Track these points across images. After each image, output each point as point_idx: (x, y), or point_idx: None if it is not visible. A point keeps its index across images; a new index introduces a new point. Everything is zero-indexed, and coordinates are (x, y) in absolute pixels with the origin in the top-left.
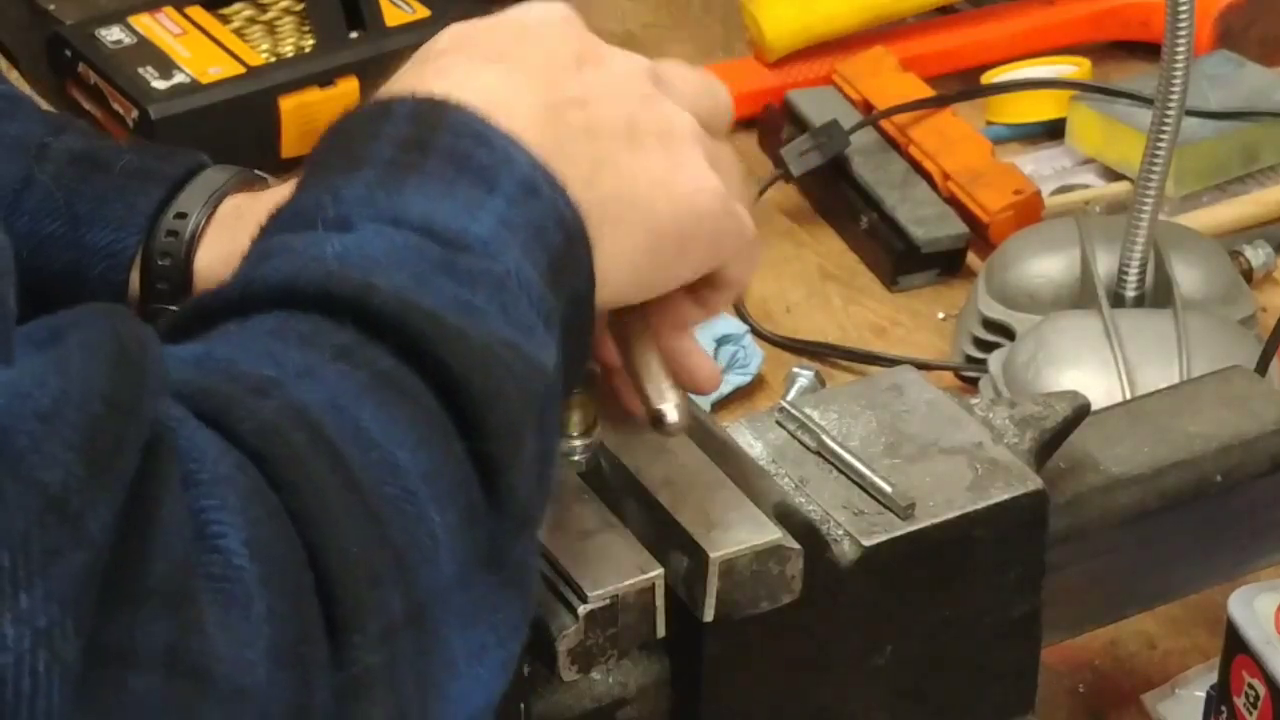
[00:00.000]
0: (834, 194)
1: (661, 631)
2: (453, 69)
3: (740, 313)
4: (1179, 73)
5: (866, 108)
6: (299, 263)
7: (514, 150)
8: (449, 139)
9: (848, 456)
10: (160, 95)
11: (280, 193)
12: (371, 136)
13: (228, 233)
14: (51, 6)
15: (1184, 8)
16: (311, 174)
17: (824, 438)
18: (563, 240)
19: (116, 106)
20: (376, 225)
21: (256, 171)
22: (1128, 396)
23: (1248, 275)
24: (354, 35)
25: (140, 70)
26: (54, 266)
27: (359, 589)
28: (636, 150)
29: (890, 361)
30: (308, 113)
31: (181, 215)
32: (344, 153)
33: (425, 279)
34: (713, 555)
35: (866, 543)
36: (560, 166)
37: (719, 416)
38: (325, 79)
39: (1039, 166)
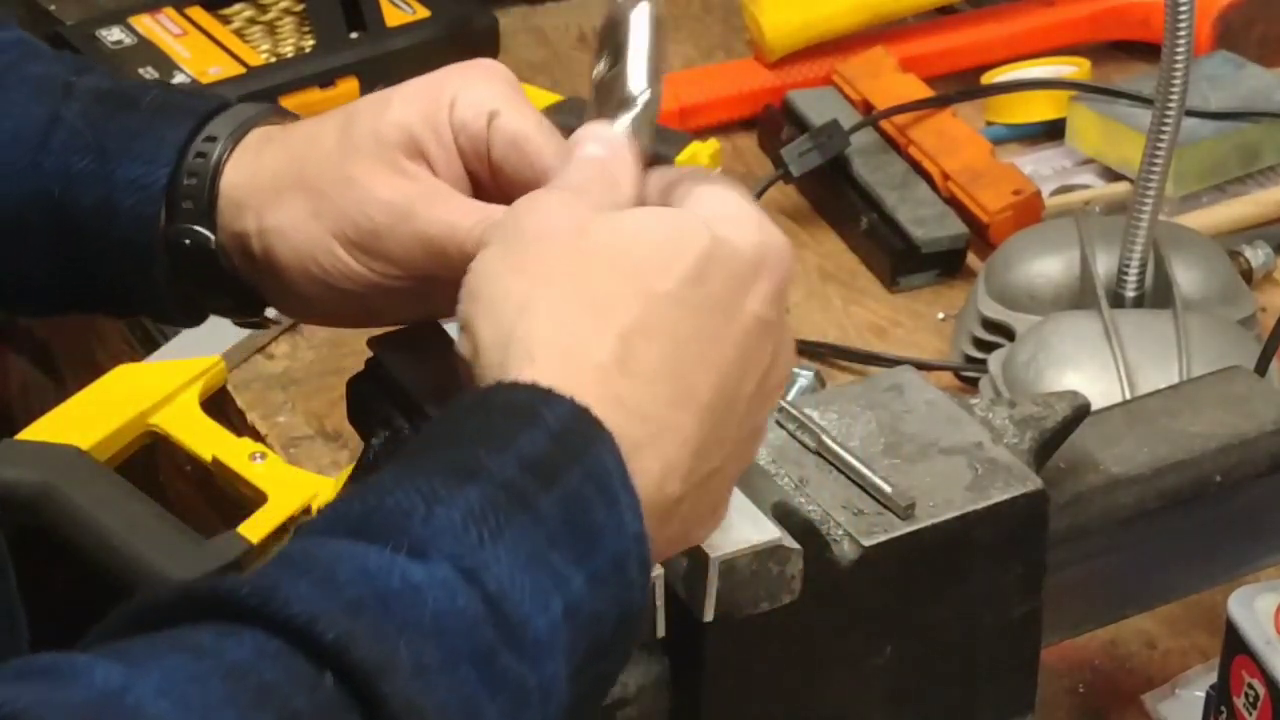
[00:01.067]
0: (834, 194)
1: (661, 631)
2: (631, 365)
3: None
4: (1179, 73)
5: (866, 108)
6: (339, 600)
7: (629, 519)
8: (578, 479)
9: (847, 457)
10: None
11: (314, 126)
12: (506, 439)
13: (253, 155)
14: (52, 7)
15: (1184, 8)
16: (426, 447)
17: (824, 438)
18: (612, 631)
19: None
20: (450, 570)
21: (287, 110)
22: (1127, 397)
23: (1247, 275)
24: (354, 35)
25: (140, 70)
26: (85, 202)
27: None
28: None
29: (890, 362)
30: (308, 113)
31: (210, 139)
32: (469, 440)
33: (454, 664)
34: (713, 555)
35: (866, 543)
36: (659, 530)
37: None
38: (325, 79)
39: (1039, 167)
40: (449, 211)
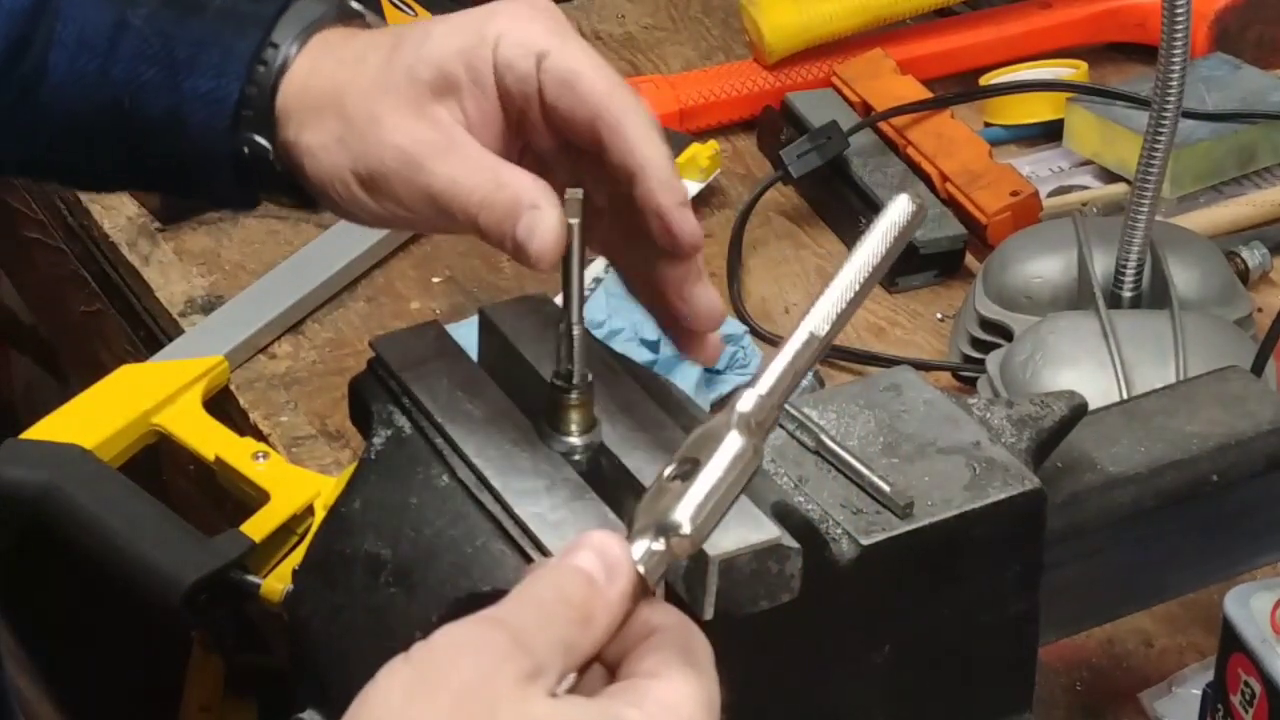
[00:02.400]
0: (833, 195)
1: None
2: None
3: (740, 313)
4: (1175, 75)
5: (865, 109)
6: None
7: None
8: None
9: (846, 456)
10: None
11: (367, 44)
12: None
13: (309, 67)
14: None
15: (1181, 10)
16: None
17: (822, 437)
18: None
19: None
20: None
21: (354, 5)
22: (1124, 396)
23: (1244, 276)
24: None
25: None
26: (153, 112)
27: None
28: None
29: (889, 361)
30: None
31: (273, 45)
32: None
33: None
34: (712, 554)
35: (865, 541)
36: None
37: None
38: None
39: (1036, 168)
40: (456, 167)
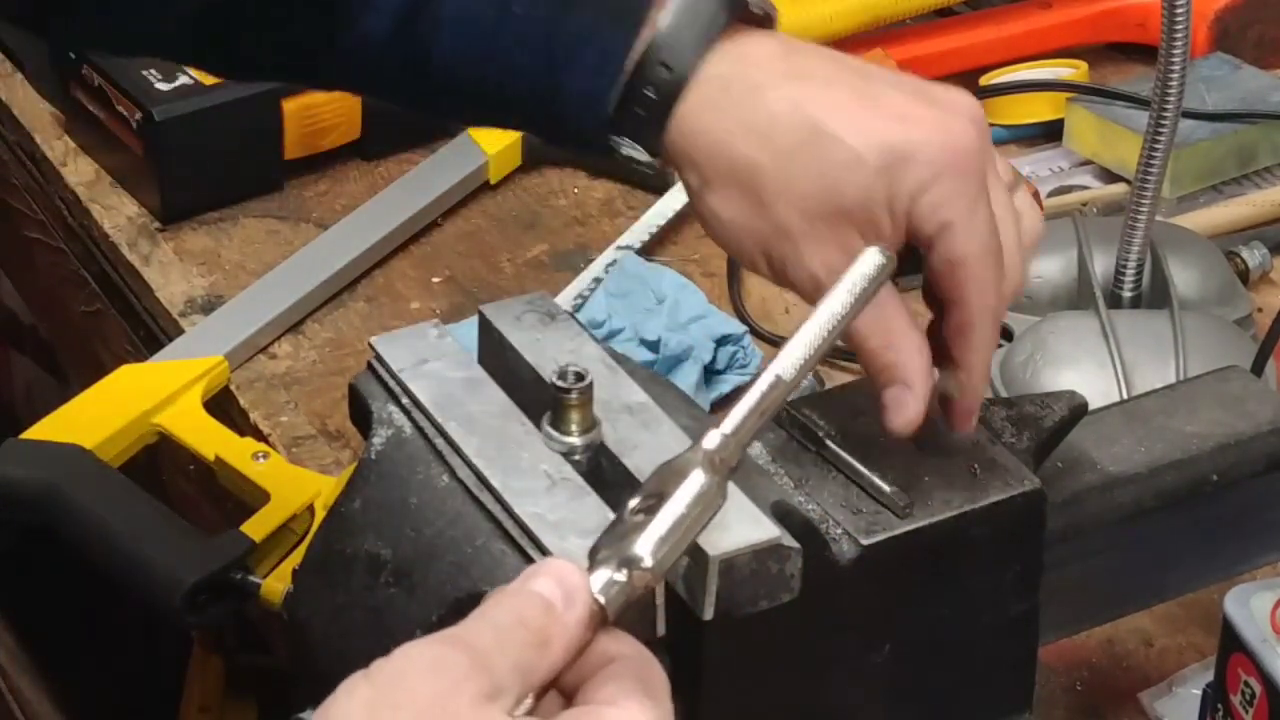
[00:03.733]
0: None
1: (661, 630)
2: None
3: (740, 313)
4: (1175, 75)
5: None
6: None
7: None
8: None
9: (846, 456)
10: (164, 97)
11: (780, 93)
12: None
13: (708, 104)
14: None
15: (1180, 10)
16: None
17: (823, 437)
18: None
19: (120, 108)
20: None
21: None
22: (1124, 396)
23: (1244, 276)
24: None
25: (144, 72)
26: (525, 97)
27: None
28: None
29: None
30: (310, 114)
31: (664, 65)
32: None
33: None
34: (712, 554)
35: (865, 541)
36: None
37: (719, 417)
38: None
39: (1036, 168)
40: (871, 311)
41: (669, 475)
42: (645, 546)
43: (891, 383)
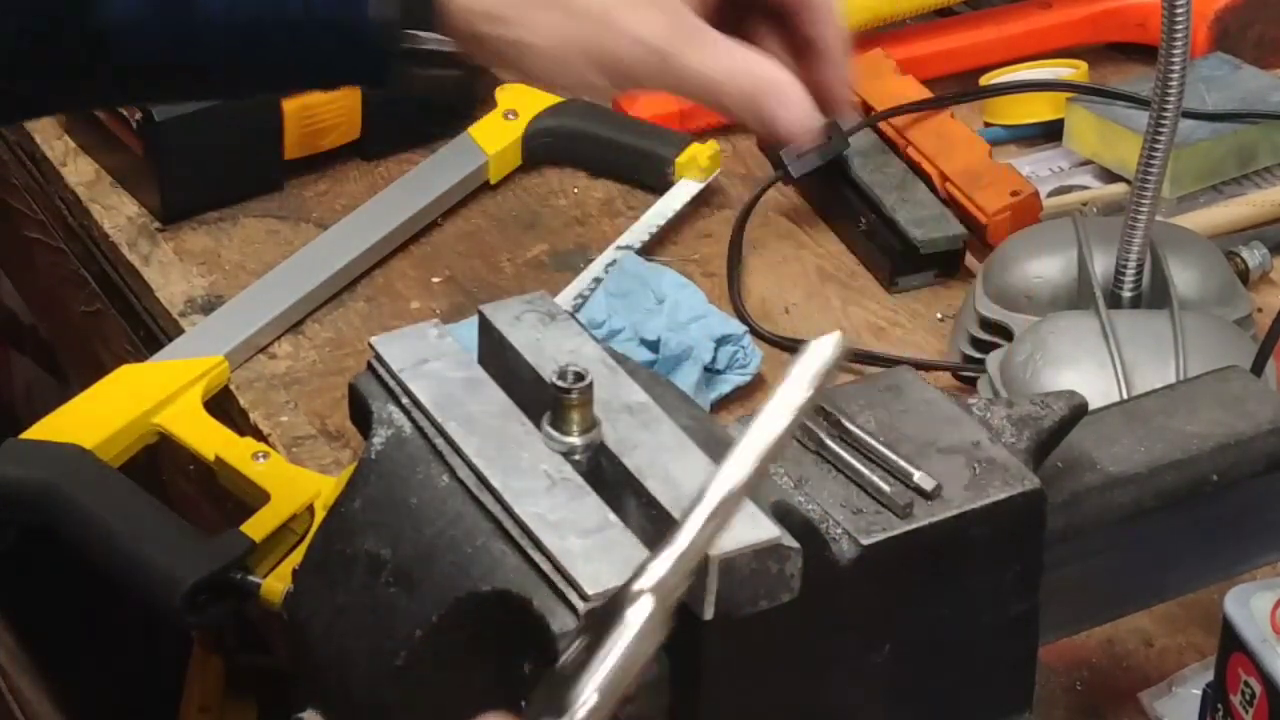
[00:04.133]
0: (833, 195)
1: None
2: None
3: (740, 313)
4: (1175, 75)
5: (865, 109)
6: None
7: None
8: None
9: (846, 455)
10: None
11: None
12: None
13: None
14: None
15: (1180, 10)
16: None
17: (823, 436)
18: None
19: (120, 108)
20: None
21: None
22: (1124, 396)
23: (1244, 276)
24: None
25: None
26: (305, 34)
27: None
28: None
29: (889, 362)
30: (310, 113)
31: None
32: None
33: None
34: (712, 554)
35: (865, 541)
36: None
37: (719, 416)
38: None
39: (1036, 168)
40: (703, 57)
41: (612, 609)
42: (590, 688)
43: (769, 99)
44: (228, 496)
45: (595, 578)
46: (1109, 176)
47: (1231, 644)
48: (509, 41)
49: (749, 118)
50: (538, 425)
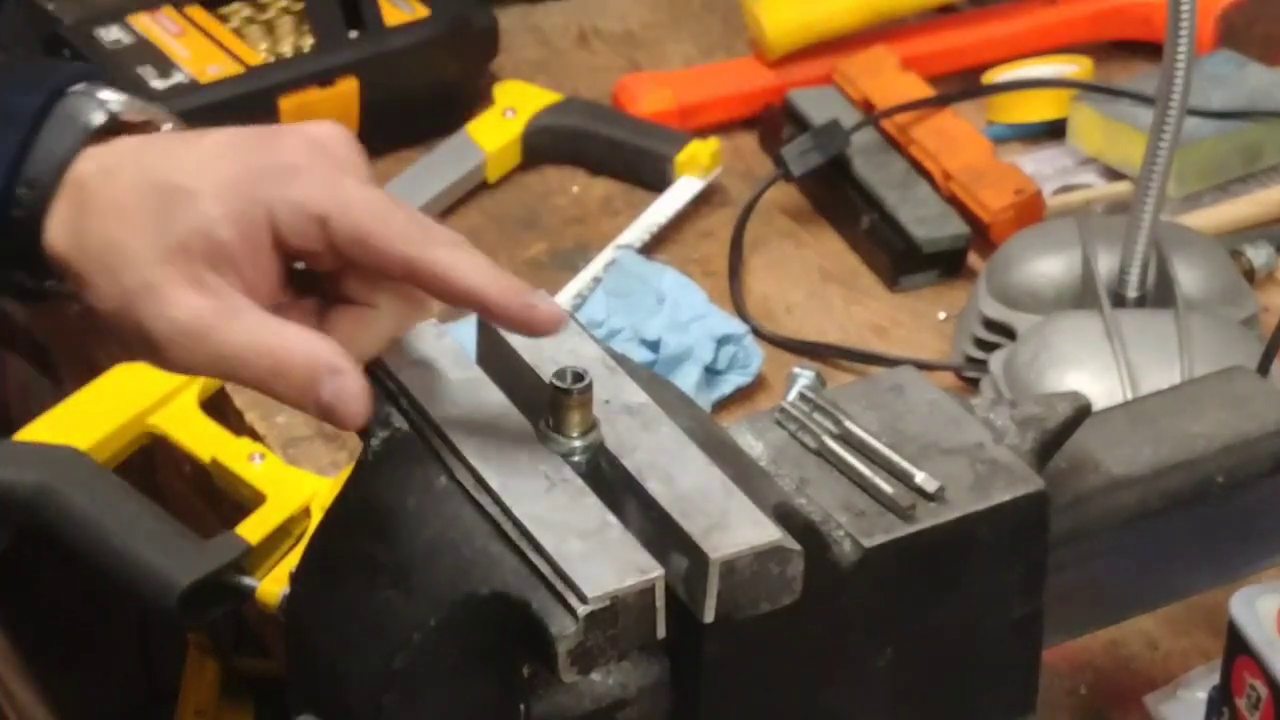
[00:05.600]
0: (835, 194)
1: (661, 632)
2: None
3: (741, 313)
4: (1180, 72)
5: (867, 107)
6: None
7: None
8: None
9: (848, 457)
10: (159, 95)
11: (131, 197)
12: None
13: (74, 216)
14: (50, 6)
15: (1186, 7)
16: None
17: (825, 437)
18: None
19: None
20: None
21: (149, 104)
22: (1129, 397)
23: (1249, 275)
24: (353, 34)
25: (139, 70)
26: None
27: None
28: None
29: (891, 362)
30: (307, 112)
31: (29, 185)
32: None
33: None
34: (713, 556)
35: (867, 543)
36: None
37: (719, 416)
38: (325, 78)
39: (1040, 166)
40: (239, 337)
41: None
42: None
43: (318, 382)
44: (224, 498)
45: (594, 580)
46: (1113, 175)
47: (1237, 647)
48: (83, 299)
49: (294, 401)
50: (537, 426)
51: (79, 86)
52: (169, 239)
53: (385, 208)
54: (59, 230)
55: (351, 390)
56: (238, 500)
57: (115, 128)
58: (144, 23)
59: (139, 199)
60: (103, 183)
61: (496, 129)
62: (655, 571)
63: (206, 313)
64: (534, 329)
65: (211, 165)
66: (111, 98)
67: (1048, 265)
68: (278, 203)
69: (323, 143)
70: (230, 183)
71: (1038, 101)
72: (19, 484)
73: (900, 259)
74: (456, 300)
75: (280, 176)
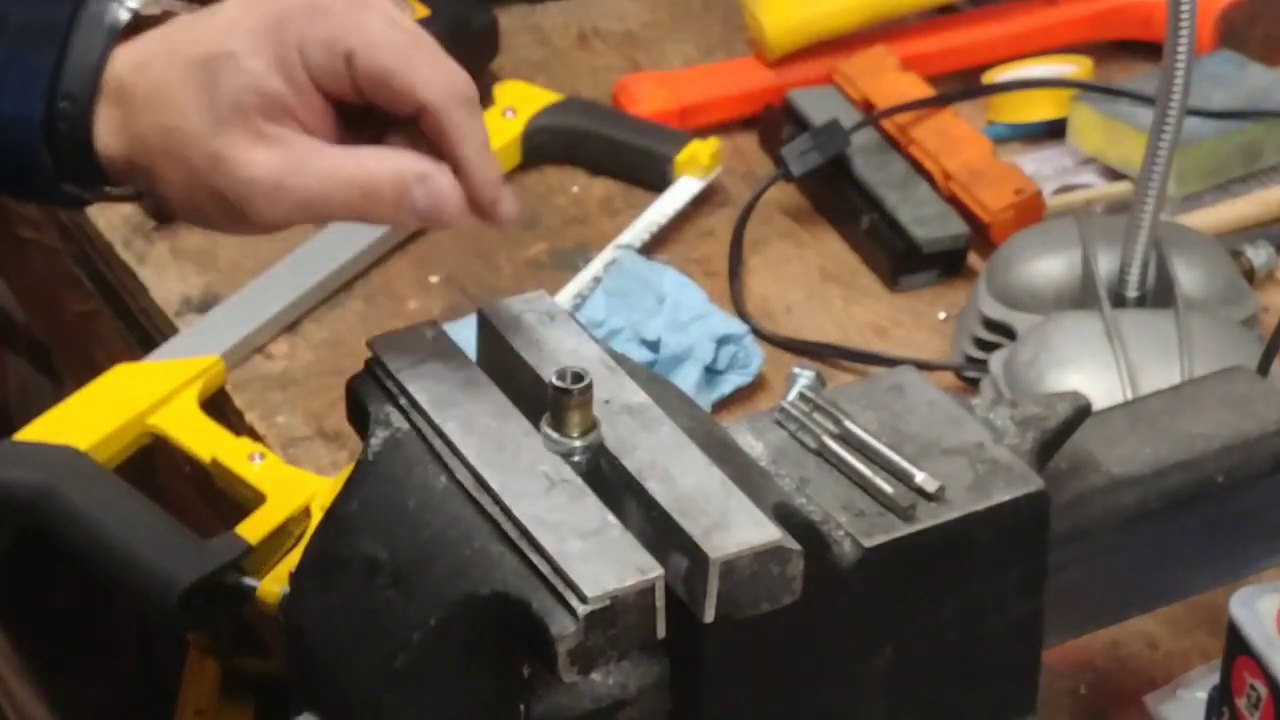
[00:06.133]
0: (835, 194)
1: (661, 632)
2: None
3: (741, 313)
4: (1180, 72)
5: (867, 107)
6: None
7: None
8: None
9: (848, 457)
10: None
11: (173, 83)
12: None
13: (119, 117)
14: None
15: (1185, 7)
16: None
17: (825, 437)
18: None
19: None
20: None
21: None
22: (1129, 397)
23: (1249, 275)
24: None
25: None
26: None
27: None
28: None
29: (891, 362)
30: None
31: (69, 97)
32: None
33: None
34: (713, 556)
35: (867, 543)
36: None
37: (719, 416)
38: None
39: (1040, 166)
40: (319, 175)
41: None
42: None
43: (410, 192)
44: (223, 498)
45: (594, 580)
46: (1113, 175)
47: (1237, 646)
48: (153, 189)
49: (391, 219)
50: (537, 426)
51: None
52: (220, 107)
53: (409, 46)
54: (110, 134)
55: (444, 188)
56: (238, 500)
57: (138, 24)
58: None
59: (179, 79)
60: (140, 77)
61: (497, 129)
62: (655, 571)
63: (279, 163)
64: (485, 218)
65: (239, 23)
66: None
67: (1048, 265)
68: (308, 43)
69: None
70: (262, 32)
71: (1038, 101)
72: (19, 484)
73: (900, 259)
74: (445, 158)
75: (308, 16)
